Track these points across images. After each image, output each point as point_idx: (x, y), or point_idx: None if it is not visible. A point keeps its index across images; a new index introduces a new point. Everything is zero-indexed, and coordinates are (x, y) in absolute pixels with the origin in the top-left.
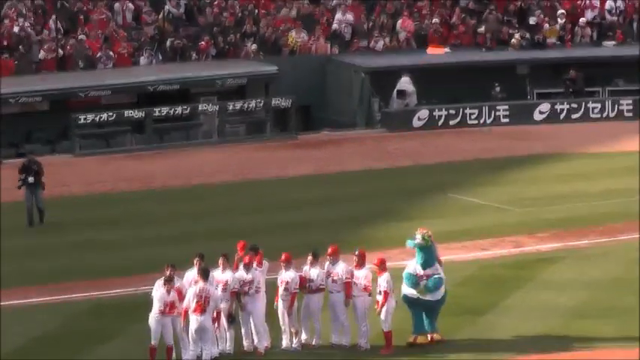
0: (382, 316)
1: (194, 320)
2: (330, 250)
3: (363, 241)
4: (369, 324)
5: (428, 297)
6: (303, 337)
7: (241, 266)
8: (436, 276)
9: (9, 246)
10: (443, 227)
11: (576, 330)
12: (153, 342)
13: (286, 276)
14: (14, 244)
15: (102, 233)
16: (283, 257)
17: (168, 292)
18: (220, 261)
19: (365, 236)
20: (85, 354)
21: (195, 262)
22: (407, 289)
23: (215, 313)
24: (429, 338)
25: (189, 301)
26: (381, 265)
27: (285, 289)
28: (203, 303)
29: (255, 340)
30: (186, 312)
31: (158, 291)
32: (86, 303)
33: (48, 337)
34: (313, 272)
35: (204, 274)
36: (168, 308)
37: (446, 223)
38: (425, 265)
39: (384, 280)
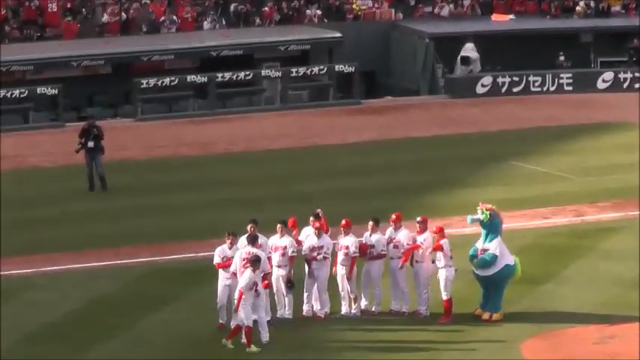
0: (441, 284)
1: None
2: (393, 217)
3: (425, 208)
4: (430, 291)
5: (479, 272)
6: (363, 303)
7: (312, 232)
8: (489, 252)
9: (70, 210)
10: (504, 195)
11: (635, 301)
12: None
13: (346, 241)
14: (75, 209)
15: (162, 198)
16: (344, 222)
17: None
18: (278, 227)
19: (427, 203)
20: (143, 318)
21: (248, 228)
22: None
23: (274, 279)
24: (488, 317)
25: (237, 265)
26: (440, 233)
27: (345, 254)
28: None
29: (316, 306)
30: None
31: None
32: (145, 267)
33: (107, 301)
34: (374, 238)
35: (252, 240)
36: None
37: (508, 191)
38: (485, 239)
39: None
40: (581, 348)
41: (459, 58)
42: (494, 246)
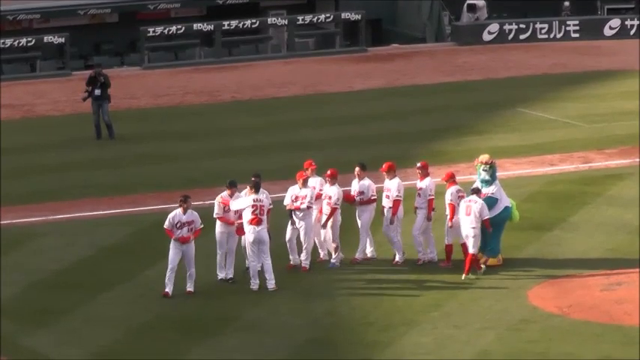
0: (445, 228)
1: (250, 232)
2: (384, 167)
3: (432, 155)
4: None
5: None
6: (367, 249)
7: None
8: (489, 195)
9: (77, 158)
10: (511, 142)
11: None
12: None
13: (329, 191)
14: (82, 157)
15: (169, 146)
16: (329, 172)
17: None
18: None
19: (434, 150)
20: (150, 267)
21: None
22: None
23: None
24: (484, 260)
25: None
26: (450, 179)
27: (327, 205)
28: (258, 214)
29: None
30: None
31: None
32: (152, 215)
33: (115, 249)
34: (365, 184)
35: (257, 187)
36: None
37: (514, 138)
38: (485, 184)
39: (449, 194)
40: (588, 295)
41: (465, 5)
42: (493, 189)
